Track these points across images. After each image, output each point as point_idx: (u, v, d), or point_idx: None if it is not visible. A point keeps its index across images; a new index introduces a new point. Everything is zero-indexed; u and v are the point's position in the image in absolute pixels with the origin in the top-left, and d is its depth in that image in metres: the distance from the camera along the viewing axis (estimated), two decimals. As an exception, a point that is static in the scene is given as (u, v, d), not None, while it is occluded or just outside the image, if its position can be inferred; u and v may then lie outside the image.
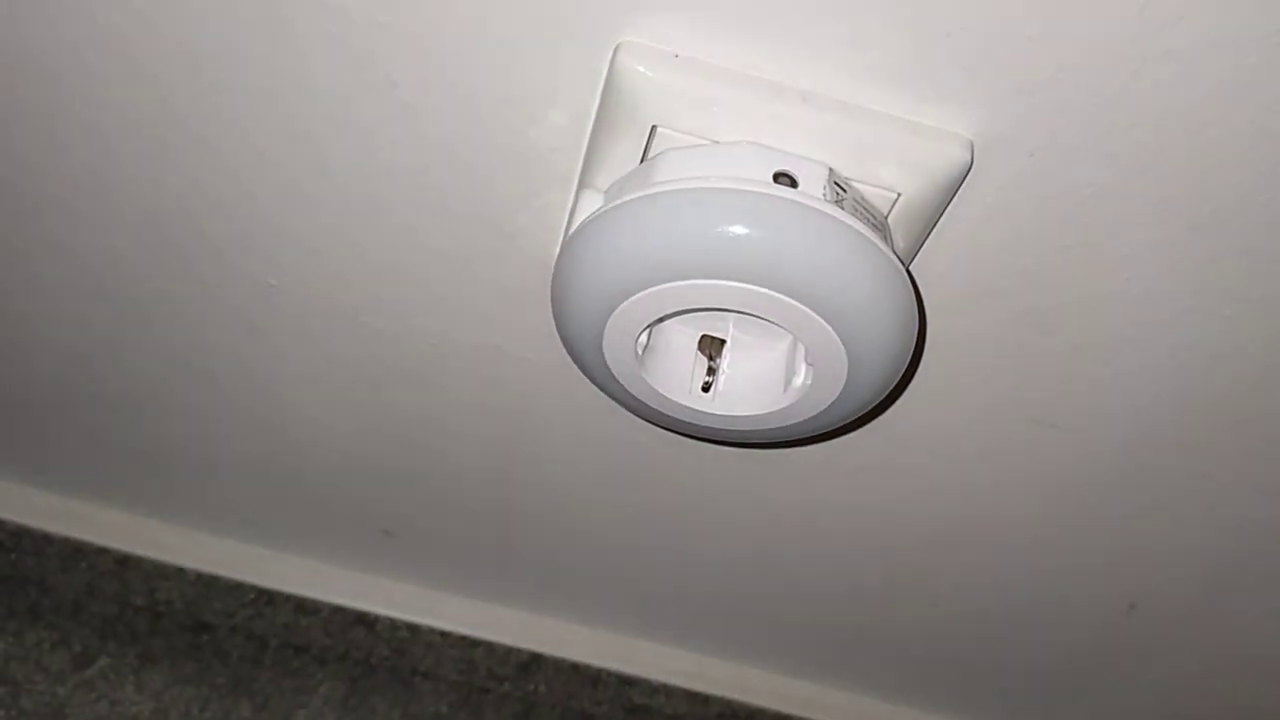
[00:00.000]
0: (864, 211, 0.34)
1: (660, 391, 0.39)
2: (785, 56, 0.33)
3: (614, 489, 0.58)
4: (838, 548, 0.60)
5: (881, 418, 0.48)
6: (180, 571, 0.73)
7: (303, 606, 0.73)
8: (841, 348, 0.34)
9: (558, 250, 0.41)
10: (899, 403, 0.47)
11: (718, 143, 0.34)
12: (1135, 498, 0.52)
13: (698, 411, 0.39)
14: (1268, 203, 0.36)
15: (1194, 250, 0.38)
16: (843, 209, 0.32)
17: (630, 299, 0.34)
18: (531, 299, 0.45)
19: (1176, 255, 0.38)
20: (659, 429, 0.43)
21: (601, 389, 0.40)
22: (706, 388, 0.39)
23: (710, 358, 0.40)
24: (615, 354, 0.37)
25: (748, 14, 0.32)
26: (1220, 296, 0.40)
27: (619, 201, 0.33)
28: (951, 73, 0.33)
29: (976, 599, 0.63)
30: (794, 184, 0.33)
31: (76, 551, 0.72)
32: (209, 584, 0.73)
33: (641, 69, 0.33)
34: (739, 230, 0.32)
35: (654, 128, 0.34)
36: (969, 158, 0.34)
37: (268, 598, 0.73)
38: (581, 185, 0.38)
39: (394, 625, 0.74)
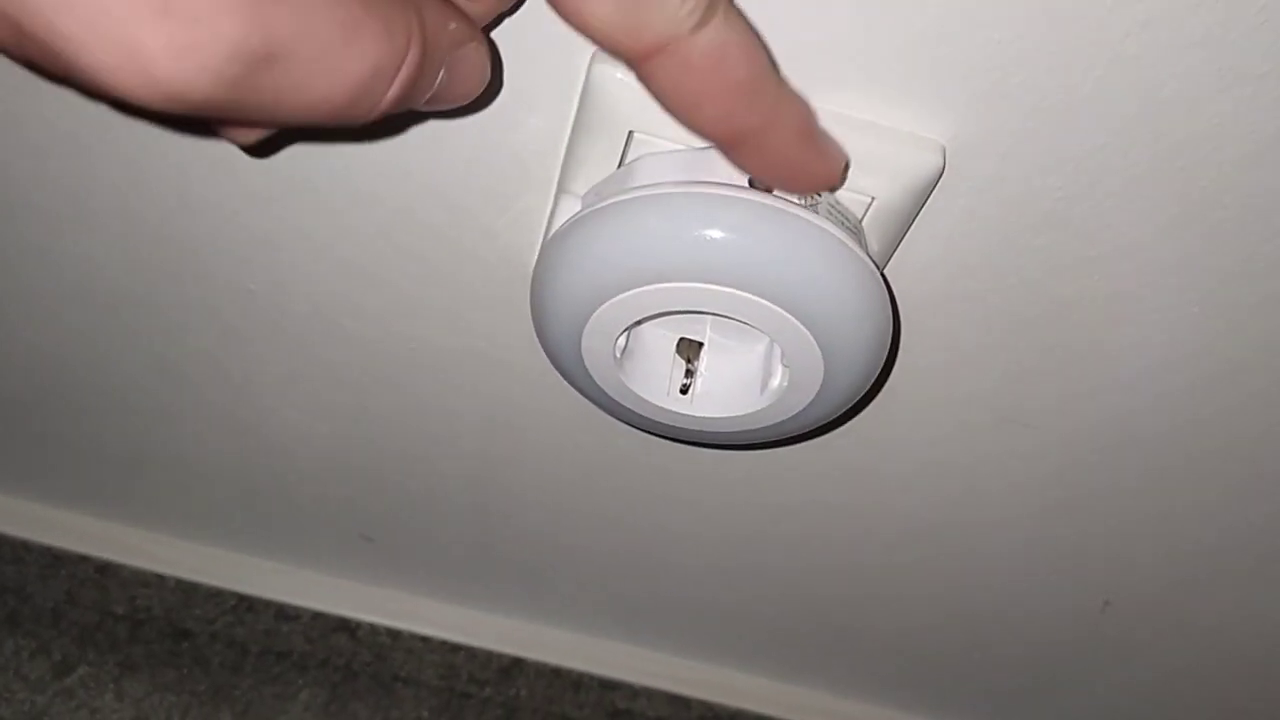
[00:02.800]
0: (838, 215, 0.35)
1: (639, 394, 0.39)
2: (760, 62, 0.33)
3: (594, 492, 0.59)
4: (816, 549, 0.61)
5: (858, 419, 0.49)
6: (160, 579, 0.73)
7: (283, 613, 0.73)
8: (817, 349, 0.35)
9: (536, 255, 0.42)
10: (875, 404, 0.48)
11: (694, 148, 0.35)
12: (1108, 495, 0.52)
13: (676, 413, 0.40)
14: (1231, 204, 0.36)
15: (1165, 252, 0.39)
16: (817, 213, 0.33)
17: (608, 302, 0.34)
18: (511, 303, 0.45)
19: (1148, 257, 0.39)
20: (639, 432, 0.44)
21: (581, 392, 0.41)
22: (684, 390, 0.40)
23: (688, 360, 0.40)
24: (594, 357, 0.37)
25: (722, 21, 0.32)
26: (1191, 297, 0.41)
27: (596, 206, 0.34)
28: (922, 78, 0.33)
29: (954, 599, 0.63)
30: (769, 188, 0.33)
31: (56, 560, 0.72)
32: (189, 591, 0.73)
33: (619, 75, 0.33)
34: (715, 234, 0.32)
35: (631, 133, 0.35)
36: (941, 161, 0.35)
37: (248, 604, 0.73)
38: (560, 190, 0.38)
39: (375, 631, 0.74)
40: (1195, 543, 0.55)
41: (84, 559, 0.72)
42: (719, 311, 0.34)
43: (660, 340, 0.40)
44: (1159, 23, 0.31)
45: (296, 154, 0.41)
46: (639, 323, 0.36)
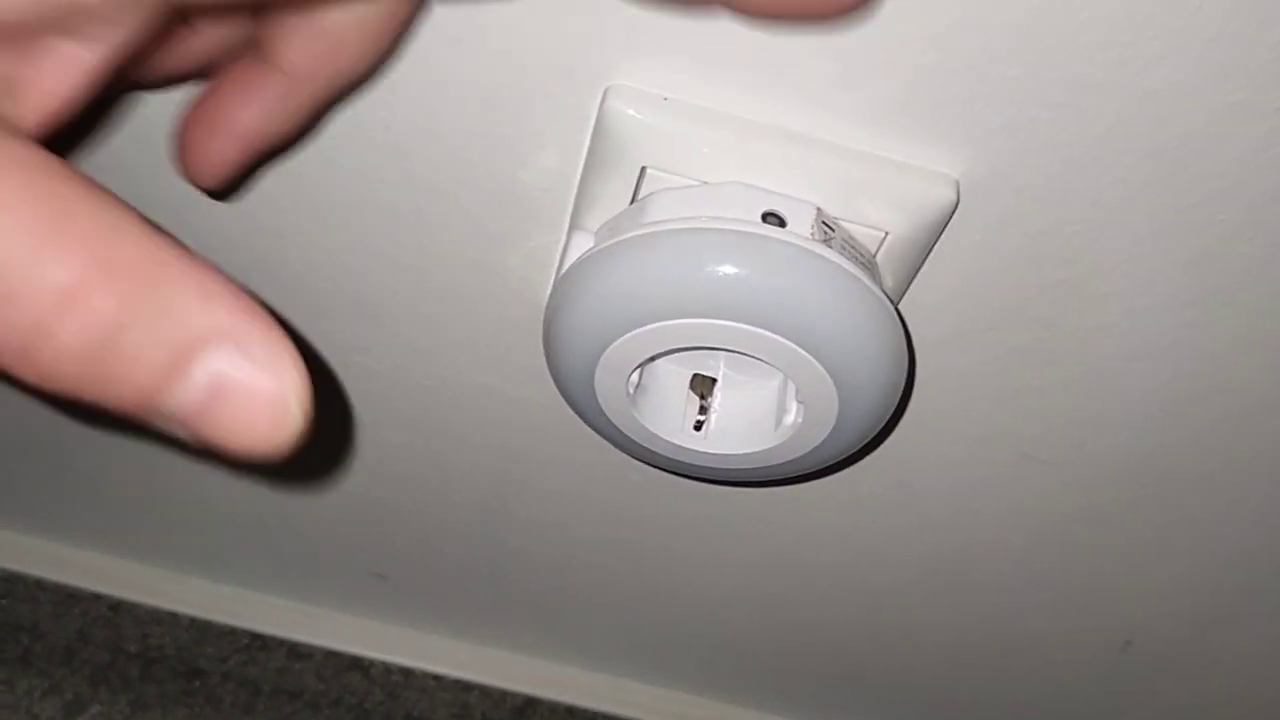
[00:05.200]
0: (852, 250, 0.34)
1: (652, 430, 0.39)
2: (773, 98, 0.34)
3: (608, 529, 0.58)
4: (832, 585, 0.60)
5: (873, 455, 0.48)
6: (173, 617, 0.72)
7: (296, 651, 0.73)
8: (832, 385, 0.34)
9: (549, 291, 0.42)
10: (891, 440, 0.47)
11: (707, 183, 0.35)
12: (1129, 532, 0.52)
13: (690, 450, 0.39)
14: (1253, 239, 0.36)
15: (1181, 285, 0.38)
16: (831, 248, 0.33)
17: (621, 338, 0.34)
18: (524, 339, 0.45)
19: (1166, 292, 0.39)
20: (653, 468, 0.43)
21: (594, 428, 0.40)
22: (698, 426, 0.40)
23: (702, 396, 0.40)
24: (607, 393, 0.37)
25: (736, 57, 0.33)
26: (1208, 331, 0.40)
27: (609, 242, 0.34)
28: (936, 113, 0.33)
29: (972, 636, 0.62)
30: (782, 223, 0.33)
31: (69, 598, 0.72)
32: (202, 629, 0.72)
33: (631, 112, 0.33)
34: (728, 269, 0.32)
35: (644, 169, 0.35)
36: (955, 196, 0.35)
37: (261, 643, 0.73)
38: (573, 227, 0.38)
39: (388, 669, 0.73)
40: (1218, 581, 0.54)
41: (97, 597, 0.72)
42: (733, 348, 0.34)
43: (674, 376, 0.40)
44: (1175, 57, 0.30)
45: (309, 190, 0.41)
46: (652, 359, 0.36)
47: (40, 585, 0.72)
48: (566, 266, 0.36)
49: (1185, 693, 0.64)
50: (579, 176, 0.37)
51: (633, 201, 0.36)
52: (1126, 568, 0.54)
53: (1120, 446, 0.47)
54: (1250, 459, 0.46)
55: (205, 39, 0.28)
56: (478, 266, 0.42)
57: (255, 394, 0.19)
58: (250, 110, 0.29)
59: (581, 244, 0.37)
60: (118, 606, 0.72)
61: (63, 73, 0.21)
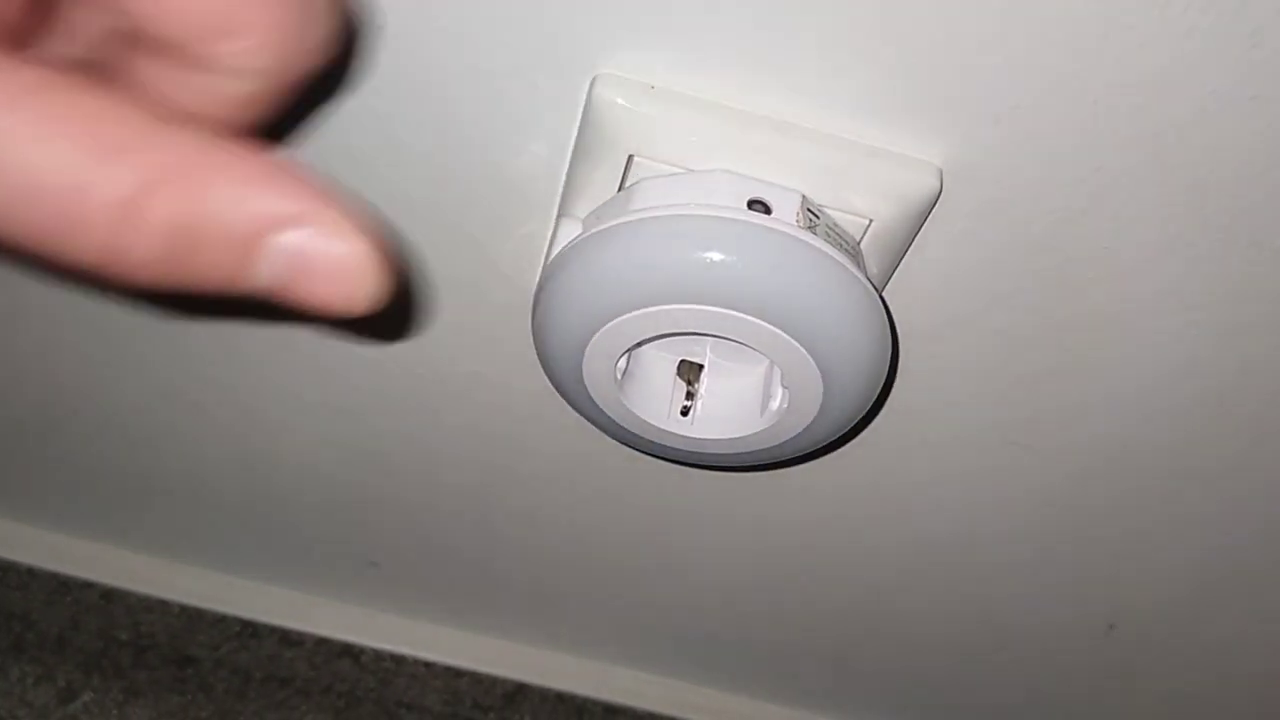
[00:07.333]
0: (836, 237, 0.35)
1: (640, 416, 0.39)
2: (759, 87, 0.34)
3: (596, 515, 0.59)
4: (817, 571, 0.61)
5: (858, 440, 0.49)
6: (164, 605, 0.73)
7: (287, 639, 0.73)
8: (816, 371, 0.35)
9: (537, 279, 0.42)
10: (875, 426, 0.48)
11: (693, 171, 0.35)
12: (1113, 518, 0.52)
13: (677, 435, 0.40)
14: (1228, 226, 0.37)
15: (1162, 273, 0.39)
16: (815, 235, 0.33)
17: (608, 325, 0.34)
18: (513, 326, 0.45)
19: (1146, 278, 0.39)
20: (641, 454, 0.44)
21: (582, 414, 0.41)
22: (685, 412, 0.40)
23: (689, 382, 0.40)
24: (595, 379, 0.37)
25: (722, 46, 0.33)
26: (1190, 319, 0.41)
27: (597, 229, 0.34)
28: (921, 102, 0.34)
29: (957, 622, 0.63)
30: (768, 211, 0.34)
31: (61, 586, 0.72)
32: (194, 617, 0.73)
33: (618, 100, 0.34)
34: (714, 256, 0.32)
35: (631, 157, 0.35)
36: (938, 184, 0.35)
37: (252, 630, 0.73)
38: (561, 214, 0.39)
39: (379, 656, 0.74)
40: (1201, 567, 0.55)
41: (88, 585, 0.72)
42: (719, 334, 0.34)
43: (661, 362, 0.40)
44: (1152, 48, 0.31)
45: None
46: (639, 345, 0.37)
47: (32, 573, 0.72)
48: (554, 254, 0.36)
49: (1167, 676, 0.65)
50: (567, 164, 0.37)
51: (620, 189, 0.36)
52: (1111, 553, 0.55)
53: (1105, 433, 0.47)
54: (1234, 447, 0.47)
55: None
56: (466, 255, 0.43)
57: (330, 261, 0.21)
58: None
59: (569, 231, 0.37)
60: (109, 594, 0.72)
61: None
